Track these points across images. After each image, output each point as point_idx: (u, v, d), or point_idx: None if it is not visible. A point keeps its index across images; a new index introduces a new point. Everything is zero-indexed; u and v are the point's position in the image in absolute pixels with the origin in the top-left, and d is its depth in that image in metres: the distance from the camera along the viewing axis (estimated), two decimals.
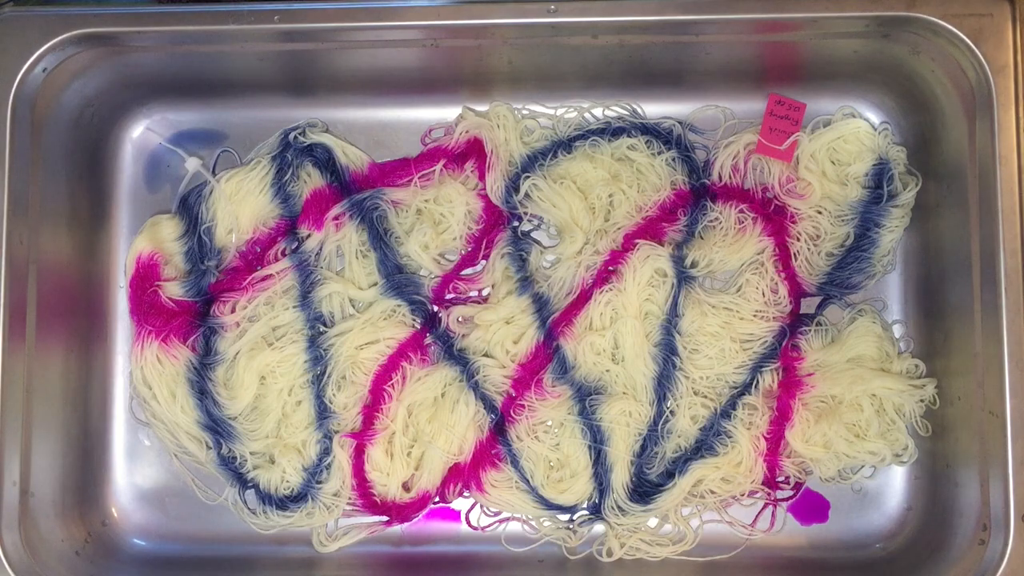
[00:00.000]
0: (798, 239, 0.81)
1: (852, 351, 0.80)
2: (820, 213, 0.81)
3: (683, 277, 0.80)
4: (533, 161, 0.82)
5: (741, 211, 0.81)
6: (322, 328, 0.82)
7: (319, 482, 0.80)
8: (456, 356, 0.81)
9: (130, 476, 0.83)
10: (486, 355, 0.81)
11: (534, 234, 0.83)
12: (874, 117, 0.82)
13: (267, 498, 0.81)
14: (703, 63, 0.79)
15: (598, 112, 0.84)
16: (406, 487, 0.81)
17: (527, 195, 0.81)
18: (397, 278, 0.82)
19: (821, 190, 0.81)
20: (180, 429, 0.81)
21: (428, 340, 0.82)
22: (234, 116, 0.85)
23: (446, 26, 0.74)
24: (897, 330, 0.82)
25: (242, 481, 0.82)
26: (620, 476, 0.79)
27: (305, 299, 0.82)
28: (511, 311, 0.80)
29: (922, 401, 0.79)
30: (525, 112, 0.83)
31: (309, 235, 0.82)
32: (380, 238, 0.82)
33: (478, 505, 0.82)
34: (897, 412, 0.79)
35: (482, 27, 0.74)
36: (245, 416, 0.81)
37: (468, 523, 0.82)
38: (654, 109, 0.84)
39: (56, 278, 0.78)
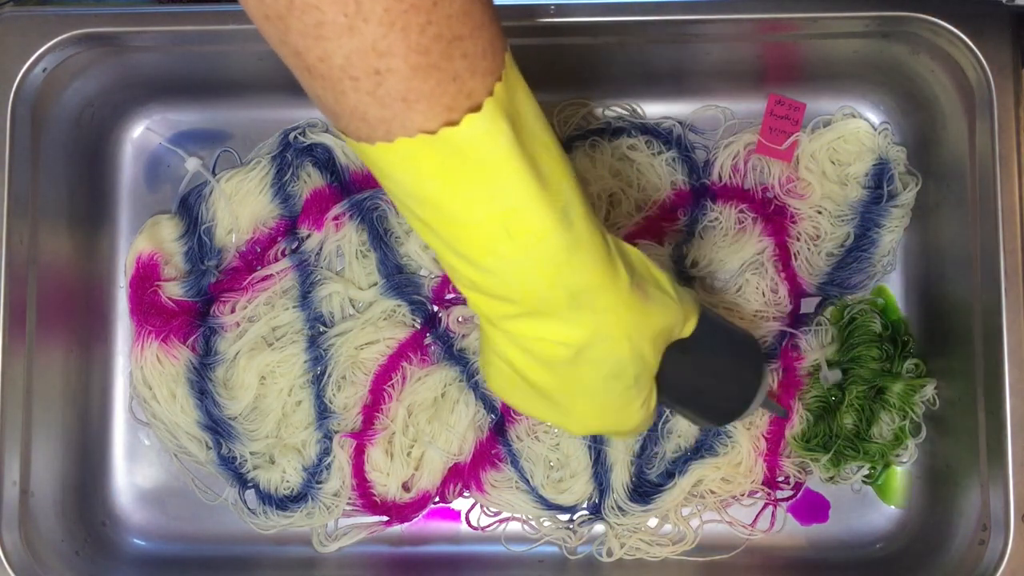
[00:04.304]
0: (798, 239, 0.81)
1: (852, 351, 0.80)
2: (820, 213, 0.81)
3: (683, 277, 0.80)
4: None
5: (741, 211, 0.81)
6: (322, 328, 0.82)
7: (319, 482, 0.80)
8: (456, 356, 0.81)
9: (130, 476, 0.83)
10: None
11: None
12: (874, 117, 0.82)
13: (267, 498, 0.81)
14: (703, 63, 0.79)
15: (598, 112, 0.84)
16: (406, 487, 0.81)
17: None
18: (397, 278, 0.82)
19: (821, 190, 0.81)
20: (180, 429, 0.81)
21: (428, 340, 0.82)
22: (234, 116, 0.85)
23: None
24: None
25: (242, 481, 0.82)
26: (620, 476, 0.79)
27: (305, 299, 0.82)
28: None
29: (922, 401, 0.79)
30: None
31: (309, 235, 0.82)
32: (380, 238, 0.82)
33: (478, 505, 0.82)
34: (897, 412, 0.79)
35: None
36: (245, 416, 0.81)
37: (468, 523, 0.82)
38: (654, 109, 0.84)
39: (56, 278, 0.78)
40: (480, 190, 0.42)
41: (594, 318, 0.47)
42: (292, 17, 0.39)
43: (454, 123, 0.41)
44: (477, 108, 0.41)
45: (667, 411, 0.80)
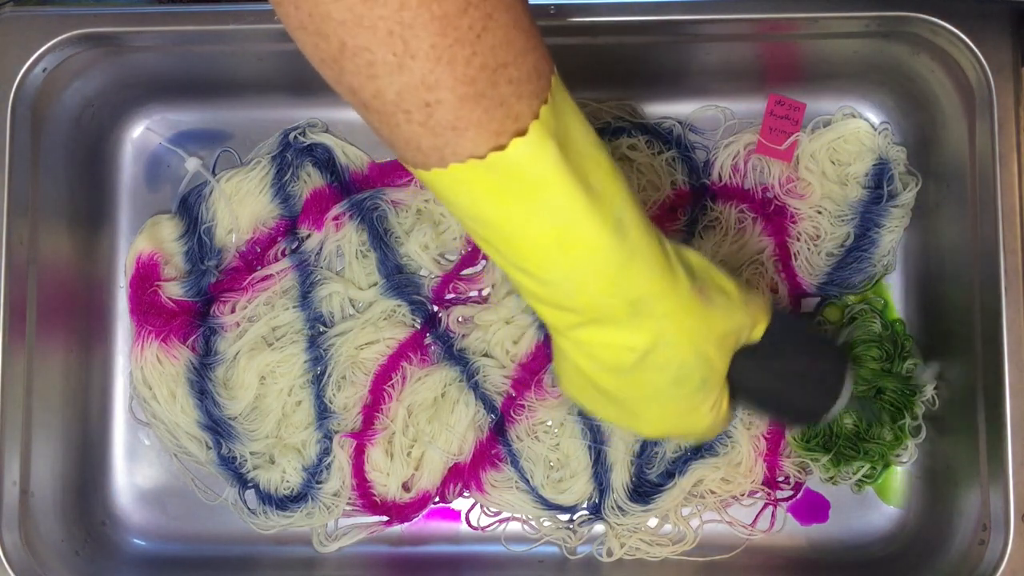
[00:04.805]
0: (798, 239, 0.81)
1: (852, 351, 0.80)
2: (820, 213, 0.81)
3: None
4: None
5: (741, 211, 0.81)
6: (322, 328, 0.82)
7: (319, 482, 0.80)
8: (456, 356, 0.81)
9: (130, 476, 0.83)
10: (486, 355, 0.81)
11: None
12: (874, 117, 0.82)
13: (267, 498, 0.81)
14: (703, 63, 0.79)
15: (599, 112, 0.83)
16: (406, 487, 0.81)
17: None
18: (397, 278, 0.82)
19: (821, 190, 0.81)
20: (180, 429, 0.81)
21: (428, 340, 0.82)
22: (234, 116, 0.85)
23: None
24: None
25: (242, 481, 0.82)
26: (620, 476, 0.79)
27: (305, 299, 0.82)
28: (511, 311, 0.80)
29: (922, 401, 0.79)
30: None
31: (309, 235, 0.82)
32: (380, 238, 0.82)
33: (478, 505, 0.82)
34: (897, 412, 0.79)
35: None
36: (245, 416, 0.81)
37: (468, 523, 0.82)
38: (654, 109, 0.84)
39: (56, 278, 0.78)
40: (531, 208, 0.44)
41: (655, 323, 0.49)
42: (345, 59, 0.41)
43: (502, 147, 0.42)
44: (524, 131, 0.42)
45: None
